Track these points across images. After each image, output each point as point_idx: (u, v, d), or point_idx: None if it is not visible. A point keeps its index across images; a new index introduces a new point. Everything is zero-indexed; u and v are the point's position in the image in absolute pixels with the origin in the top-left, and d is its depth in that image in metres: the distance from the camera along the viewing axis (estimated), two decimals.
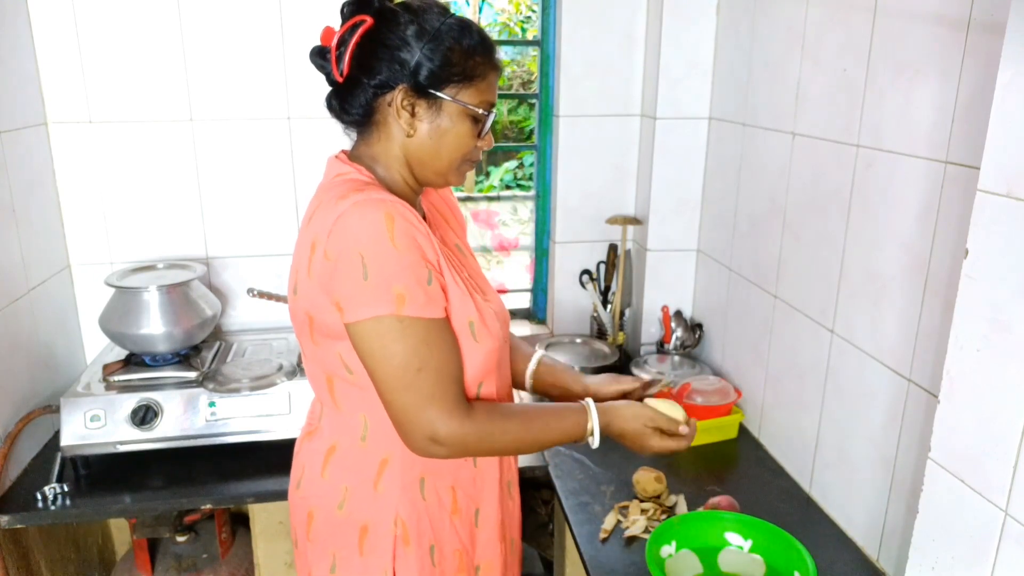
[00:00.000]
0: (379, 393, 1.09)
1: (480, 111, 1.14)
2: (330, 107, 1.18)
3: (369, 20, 1.09)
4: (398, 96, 1.11)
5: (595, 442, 1.21)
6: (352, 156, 1.19)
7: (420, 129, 1.13)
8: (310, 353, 1.17)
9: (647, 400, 1.31)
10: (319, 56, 1.14)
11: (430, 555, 1.20)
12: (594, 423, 1.20)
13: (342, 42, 1.11)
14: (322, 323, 1.10)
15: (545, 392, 1.44)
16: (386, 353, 1.05)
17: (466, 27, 1.12)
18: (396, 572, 1.17)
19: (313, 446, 1.23)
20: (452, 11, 1.14)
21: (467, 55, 1.11)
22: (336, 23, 1.13)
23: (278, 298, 1.97)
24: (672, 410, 1.27)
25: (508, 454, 1.30)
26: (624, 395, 1.38)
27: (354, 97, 1.14)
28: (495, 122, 1.18)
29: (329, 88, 1.18)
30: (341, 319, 1.06)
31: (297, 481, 1.25)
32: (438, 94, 1.11)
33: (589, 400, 1.23)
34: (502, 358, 1.26)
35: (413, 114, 1.12)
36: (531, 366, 1.43)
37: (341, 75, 1.12)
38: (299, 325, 1.16)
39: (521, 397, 2.08)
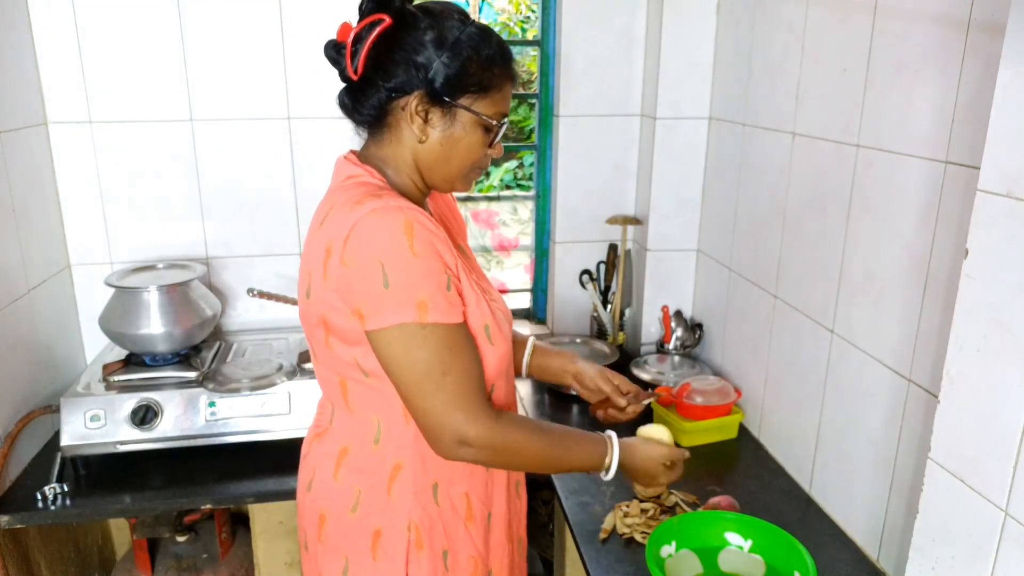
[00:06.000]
0: (404, 400, 1.08)
1: (493, 122, 1.13)
2: (342, 105, 1.16)
3: (388, 20, 1.07)
4: (413, 102, 1.09)
5: (610, 475, 1.24)
6: (362, 157, 1.17)
7: (432, 136, 1.12)
8: (322, 356, 1.16)
9: (640, 430, 1.38)
10: (334, 51, 1.12)
11: (443, 560, 1.19)
12: (613, 458, 1.23)
13: (358, 39, 1.08)
14: (337, 328, 1.10)
15: (538, 376, 1.51)
16: (410, 360, 1.04)
17: (486, 37, 1.11)
18: None
19: (324, 448, 1.21)
20: (471, 18, 1.13)
21: (485, 66, 1.10)
22: (336, 23, 1.12)
23: (278, 298, 1.97)
24: (661, 433, 1.37)
25: (527, 468, 1.29)
26: (606, 398, 1.44)
27: (367, 97, 1.12)
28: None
29: (342, 84, 1.15)
30: (361, 326, 1.06)
31: (308, 483, 1.24)
32: (454, 103, 1.10)
33: (612, 434, 1.26)
34: (510, 361, 1.26)
35: (426, 120, 1.11)
36: (527, 352, 1.49)
37: (356, 73, 1.10)
38: (311, 328, 1.15)
39: (521, 398, 2.08)
